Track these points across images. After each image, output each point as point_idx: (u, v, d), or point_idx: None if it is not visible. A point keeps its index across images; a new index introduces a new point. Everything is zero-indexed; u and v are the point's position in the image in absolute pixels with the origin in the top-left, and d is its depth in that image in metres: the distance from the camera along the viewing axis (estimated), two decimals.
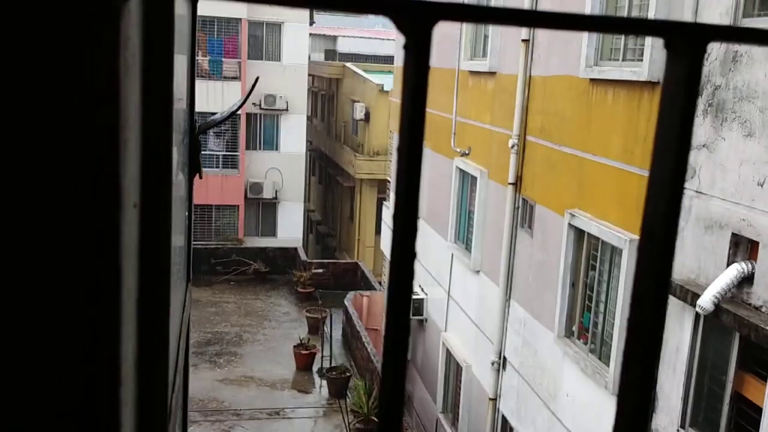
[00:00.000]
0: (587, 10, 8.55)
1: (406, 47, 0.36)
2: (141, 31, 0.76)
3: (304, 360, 17.50)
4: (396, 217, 0.42)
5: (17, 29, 0.53)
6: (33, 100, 0.55)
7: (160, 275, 1.24)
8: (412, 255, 0.45)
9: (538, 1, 10.12)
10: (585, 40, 8.61)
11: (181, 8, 1.62)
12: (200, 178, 2.25)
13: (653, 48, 7.32)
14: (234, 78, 24.89)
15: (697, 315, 6.49)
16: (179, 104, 1.69)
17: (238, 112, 24.83)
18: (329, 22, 46.55)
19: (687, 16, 6.79)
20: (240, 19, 25.00)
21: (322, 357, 17.43)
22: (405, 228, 0.41)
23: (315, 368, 17.52)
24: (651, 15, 7.34)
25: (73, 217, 0.58)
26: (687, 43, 0.40)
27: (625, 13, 8.14)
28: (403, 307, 0.47)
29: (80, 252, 0.60)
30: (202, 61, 24.23)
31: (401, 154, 0.38)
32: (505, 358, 11.03)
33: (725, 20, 6.35)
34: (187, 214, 2.20)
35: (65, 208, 0.58)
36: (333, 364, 17.17)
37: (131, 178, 0.70)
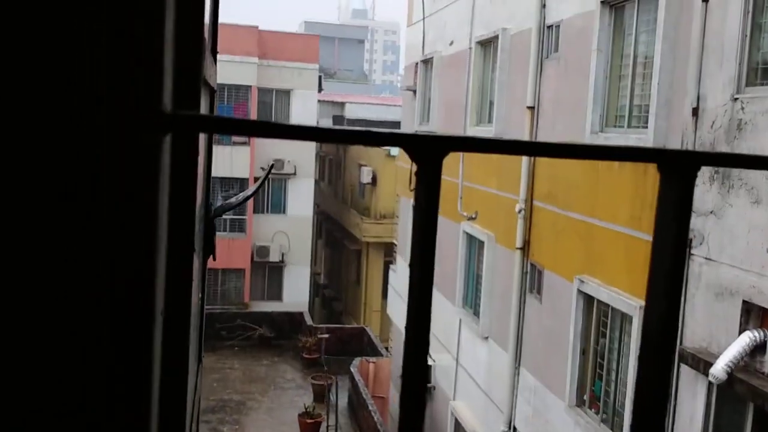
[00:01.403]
0: (591, 82, 8.70)
1: (417, 174, 0.38)
2: (171, 156, 0.86)
3: (309, 429, 17.14)
4: (407, 346, 0.42)
5: (92, 158, 0.59)
6: (93, 221, 0.61)
7: (179, 386, 1.27)
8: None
9: (542, 81, 10.31)
10: (590, 106, 8.73)
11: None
12: (214, 260, 2.29)
13: (657, 116, 7.40)
14: (243, 143, 25.26)
15: (710, 384, 6.35)
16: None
17: (246, 176, 25.13)
18: (337, 89, 47.51)
19: (690, 86, 6.89)
20: (250, 86, 25.54)
21: (328, 426, 17.06)
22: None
23: None
24: (654, 85, 7.44)
25: (111, 334, 0.63)
26: (677, 170, 0.42)
27: (628, 84, 8.27)
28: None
29: (118, 366, 0.63)
30: None
31: (413, 286, 0.38)
32: (515, 428, 10.78)
33: (728, 89, 6.44)
34: (201, 295, 2.23)
35: (103, 322, 0.62)
36: None
37: (159, 288, 0.78)
